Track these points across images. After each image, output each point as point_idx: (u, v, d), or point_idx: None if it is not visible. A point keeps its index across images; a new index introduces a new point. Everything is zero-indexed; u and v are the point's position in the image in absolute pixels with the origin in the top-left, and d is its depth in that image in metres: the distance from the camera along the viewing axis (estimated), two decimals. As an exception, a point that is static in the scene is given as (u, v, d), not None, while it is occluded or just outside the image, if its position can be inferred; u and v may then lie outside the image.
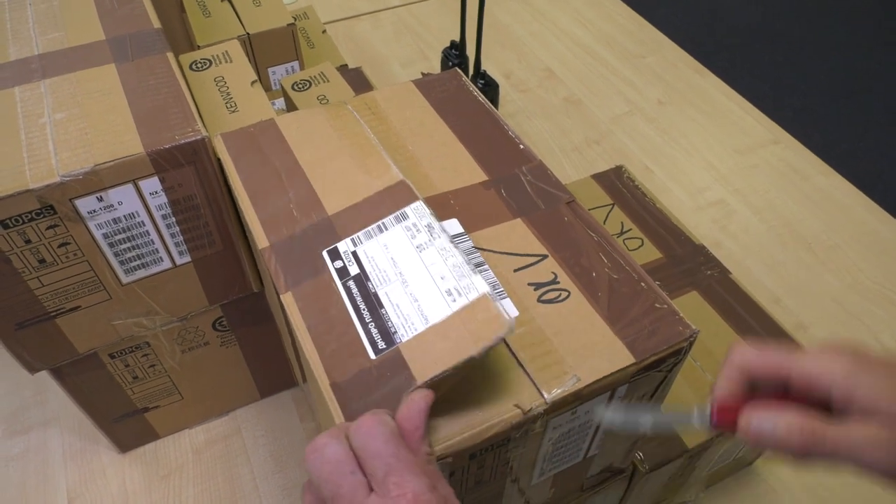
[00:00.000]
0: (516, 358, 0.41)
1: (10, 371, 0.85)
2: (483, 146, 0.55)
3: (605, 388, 0.41)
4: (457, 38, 1.05)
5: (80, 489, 0.75)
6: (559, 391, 0.39)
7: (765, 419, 0.34)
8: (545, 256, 0.46)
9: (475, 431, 0.37)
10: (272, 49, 0.87)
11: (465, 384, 0.39)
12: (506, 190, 0.51)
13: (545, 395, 0.39)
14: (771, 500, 0.72)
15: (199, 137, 0.53)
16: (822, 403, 0.34)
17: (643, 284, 0.45)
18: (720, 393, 0.37)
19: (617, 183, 0.80)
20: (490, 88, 1.06)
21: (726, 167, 1.10)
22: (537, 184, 0.52)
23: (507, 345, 0.41)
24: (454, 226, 0.47)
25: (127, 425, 0.74)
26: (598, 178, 0.81)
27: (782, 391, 0.36)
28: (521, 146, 0.55)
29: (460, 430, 0.37)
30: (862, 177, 1.08)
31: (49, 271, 0.55)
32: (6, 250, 0.52)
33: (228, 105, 0.62)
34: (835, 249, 0.98)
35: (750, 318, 0.67)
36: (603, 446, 0.48)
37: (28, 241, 0.52)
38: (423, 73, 1.10)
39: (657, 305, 0.44)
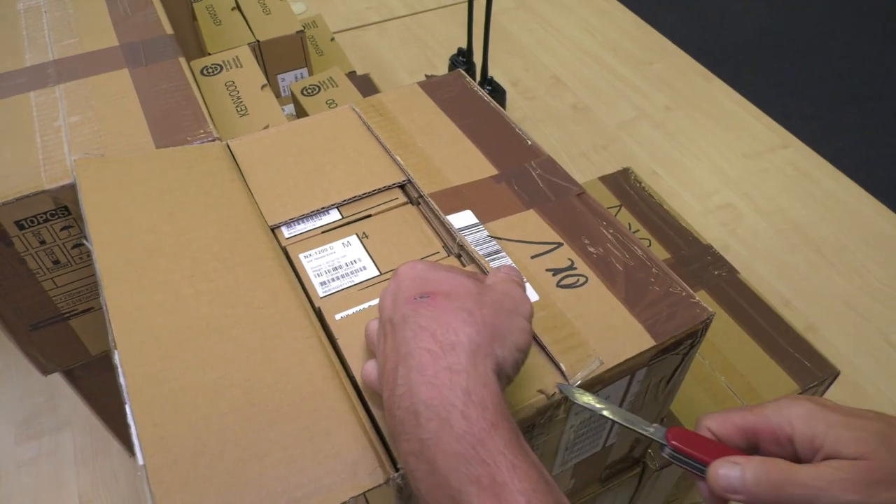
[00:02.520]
0: (539, 342, 0.41)
1: (22, 378, 0.86)
2: (491, 142, 0.55)
3: (626, 372, 0.41)
4: (463, 46, 1.06)
5: (91, 493, 0.75)
6: (583, 374, 0.39)
7: (732, 467, 0.33)
8: (560, 244, 0.47)
9: None
10: (282, 56, 0.88)
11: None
12: (517, 183, 0.51)
13: (569, 379, 0.39)
14: None
15: (211, 139, 0.54)
16: (788, 457, 0.34)
17: (657, 270, 0.45)
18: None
19: (624, 185, 0.80)
20: (497, 94, 1.07)
21: (735, 171, 1.10)
22: (547, 177, 0.52)
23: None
24: (468, 217, 0.48)
25: (138, 428, 0.75)
26: (605, 180, 0.81)
27: (753, 451, 0.36)
28: (529, 142, 0.56)
29: None
30: (871, 180, 1.08)
31: (63, 272, 0.56)
32: (21, 251, 0.53)
33: (239, 109, 0.63)
34: (844, 252, 0.98)
35: (759, 318, 0.66)
36: (622, 434, 0.49)
37: (43, 242, 0.53)
38: (427, 76, 1.11)
39: (672, 290, 0.44)
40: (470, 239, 0.46)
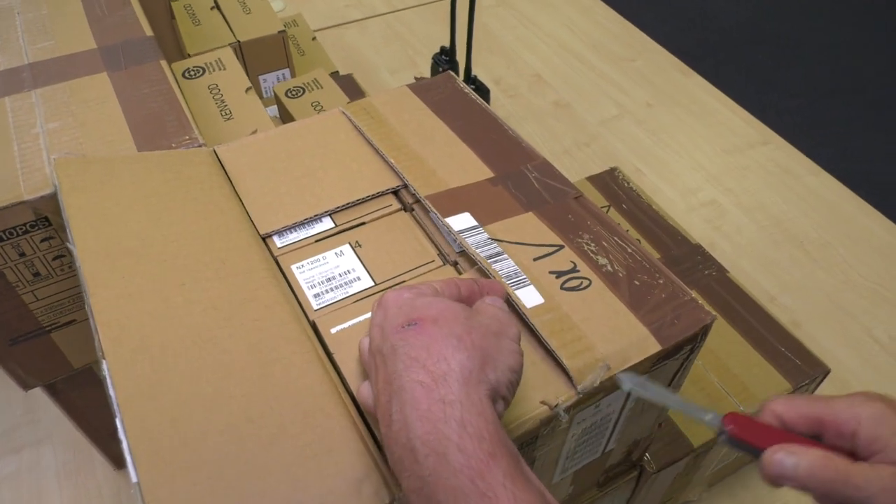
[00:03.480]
0: (546, 345, 0.40)
1: (-1, 390, 0.83)
2: (485, 145, 0.54)
3: None
4: (444, 44, 1.05)
5: (75, 507, 0.73)
6: (591, 380, 0.38)
7: (788, 453, 0.33)
8: (561, 247, 0.46)
9: (508, 429, 0.37)
10: (263, 56, 0.86)
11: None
12: (514, 186, 0.51)
13: (577, 386, 0.38)
14: (772, 499, 0.72)
15: (197, 145, 0.53)
16: (849, 452, 0.34)
17: (658, 273, 0.45)
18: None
19: (612, 184, 0.80)
20: (481, 93, 1.06)
21: (716, 168, 1.10)
22: (544, 179, 0.52)
23: (536, 331, 0.41)
24: (467, 219, 0.47)
25: (123, 440, 0.73)
26: (593, 179, 0.81)
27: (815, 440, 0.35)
28: (523, 144, 0.55)
29: None
30: (850, 175, 1.09)
31: (44, 285, 0.54)
32: (0, 264, 0.51)
33: (223, 113, 0.61)
34: (826, 247, 0.99)
35: (749, 317, 0.67)
36: (622, 436, 0.48)
37: (22, 255, 0.51)
38: (416, 78, 1.10)
39: (675, 293, 0.44)
40: (470, 241, 0.45)
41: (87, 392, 0.65)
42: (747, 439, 0.35)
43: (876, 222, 1.02)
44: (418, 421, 0.30)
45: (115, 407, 0.37)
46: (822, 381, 0.65)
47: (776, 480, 0.34)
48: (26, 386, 0.61)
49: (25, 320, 0.55)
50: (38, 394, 0.63)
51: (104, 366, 0.38)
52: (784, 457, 0.33)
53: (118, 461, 0.75)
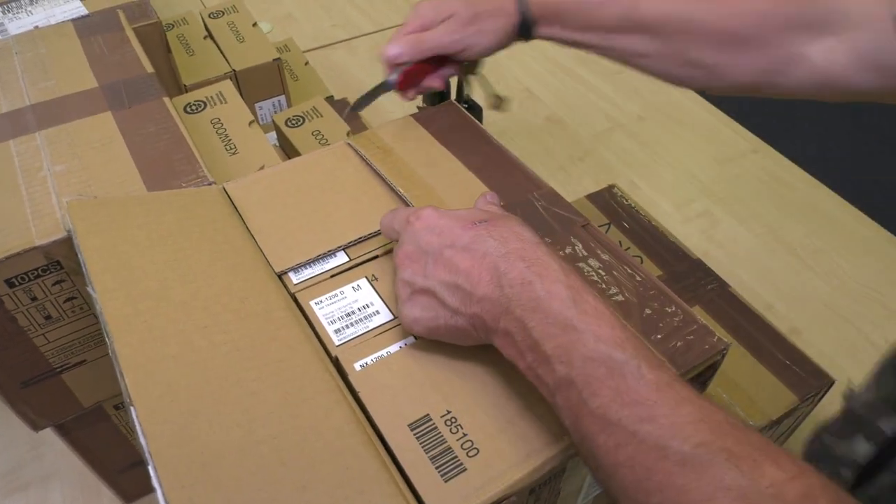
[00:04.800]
0: None
1: (4, 428, 0.82)
2: (492, 174, 0.55)
3: None
4: (436, 63, 1.06)
5: (85, 545, 0.73)
6: None
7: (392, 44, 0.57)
8: None
9: (537, 465, 0.37)
10: (259, 84, 0.86)
11: (516, 409, 0.39)
12: (522, 214, 0.51)
13: None
14: None
15: (207, 184, 0.53)
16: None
17: (669, 301, 0.46)
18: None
19: (611, 202, 0.81)
20: (474, 113, 1.07)
21: (709, 178, 1.12)
22: (551, 208, 0.52)
23: None
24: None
25: (132, 475, 0.72)
26: (592, 198, 0.82)
27: None
28: (529, 172, 0.56)
29: (523, 466, 0.37)
30: (836, 180, 1.11)
31: (55, 327, 0.54)
32: (12, 309, 0.51)
33: (228, 147, 0.61)
34: (820, 254, 1.00)
35: (754, 331, 0.68)
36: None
37: (34, 299, 0.51)
38: (418, 108, 1.11)
39: (686, 320, 0.44)
40: None
41: (97, 430, 0.65)
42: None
43: (866, 227, 1.04)
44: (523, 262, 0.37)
45: (147, 455, 0.37)
46: (826, 391, 0.66)
47: (389, 60, 0.57)
48: (36, 427, 0.60)
49: (37, 363, 0.55)
50: (43, 430, 0.63)
51: (133, 412, 0.38)
52: (390, 46, 0.56)
53: (127, 496, 0.75)
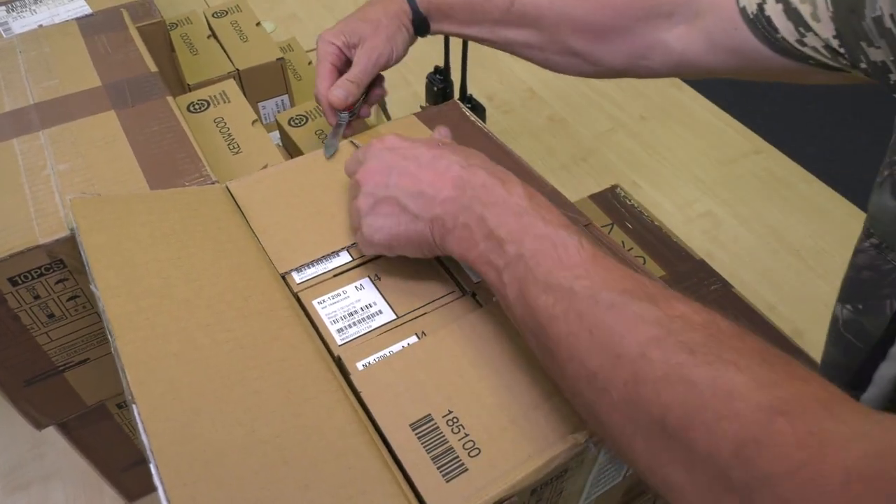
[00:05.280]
0: None
1: (5, 426, 0.82)
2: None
3: None
4: (435, 62, 1.06)
5: (87, 544, 0.73)
6: None
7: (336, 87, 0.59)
8: None
9: (539, 465, 0.37)
10: (262, 84, 0.86)
11: (520, 412, 0.39)
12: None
13: None
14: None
15: (210, 182, 0.53)
16: None
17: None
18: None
19: (613, 202, 0.81)
20: (477, 112, 1.07)
21: (711, 179, 1.12)
22: (553, 211, 0.52)
23: None
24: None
25: (135, 473, 0.73)
26: (595, 198, 0.82)
27: None
28: (532, 172, 0.56)
29: (524, 466, 0.37)
30: (838, 179, 1.11)
31: (58, 325, 0.54)
32: (15, 307, 0.51)
33: (231, 146, 0.61)
34: (822, 254, 1.00)
35: (757, 333, 0.68)
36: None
37: (37, 297, 0.51)
38: (422, 107, 1.11)
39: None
40: None
41: (100, 429, 0.65)
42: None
43: (869, 228, 1.04)
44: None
45: (149, 453, 0.37)
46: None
47: (337, 105, 0.59)
48: (39, 425, 0.60)
49: (39, 361, 0.55)
50: (45, 429, 0.63)
51: (135, 410, 0.38)
52: (335, 92, 0.58)
53: (129, 495, 0.75)
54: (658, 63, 0.56)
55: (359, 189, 0.45)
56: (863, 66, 0.44)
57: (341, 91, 0.58)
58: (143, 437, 0.37)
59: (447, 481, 0.36)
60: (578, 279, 0.34)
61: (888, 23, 0.40)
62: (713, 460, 0.27)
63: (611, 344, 0.32)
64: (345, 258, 0.49)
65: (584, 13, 0.56)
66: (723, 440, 0.27)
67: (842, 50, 0.45)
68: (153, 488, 0.77)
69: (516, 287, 0.37)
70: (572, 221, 0.39)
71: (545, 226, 0.37)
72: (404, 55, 0.63)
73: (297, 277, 0.48)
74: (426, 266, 0.49)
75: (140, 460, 0.72)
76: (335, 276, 0.48)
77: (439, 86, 1.09)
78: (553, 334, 0.35)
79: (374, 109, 0.68)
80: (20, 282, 0.50)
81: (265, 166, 0.58)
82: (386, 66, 0.61)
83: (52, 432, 0.63)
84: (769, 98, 1.77)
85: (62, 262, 0.50)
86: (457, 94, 1.08)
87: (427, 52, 1.36)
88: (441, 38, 1.01)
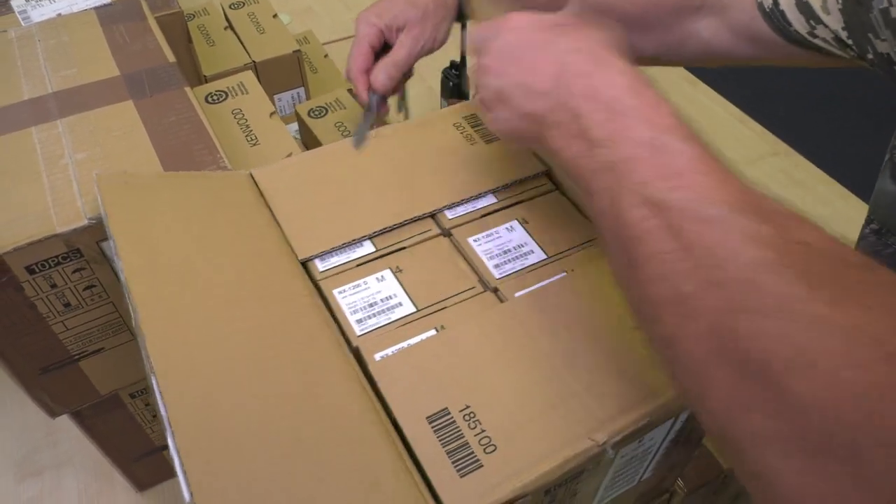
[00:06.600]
0: None
1: (19, 413, 0.83)
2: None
3: (672, 413, 0.41)
4: (452, 56, 1.05)
5: (98, 532, 0.73)
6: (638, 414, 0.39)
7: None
8: None
9: (555, 465, 0.37)
10: (278, 76, 0.86)
11: (538, 411, 0.39)
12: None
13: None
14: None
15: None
16: None
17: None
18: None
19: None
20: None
21: (728, 178, 1.11)
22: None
23: None
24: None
25: (146, 464, 0.73)
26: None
27: None
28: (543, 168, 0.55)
29: (540, 465, 0.37)
30: (857, 183, 1.10)
31: (74, 314, 0.54)
32: (32, 296, 0.51)
33: (249, 138, 0.61)
34: (840, 257, 0.99)
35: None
36: (658, 465, 0.48)
37: (54, 286, 0.51)
38: (450, 102, 1.10)
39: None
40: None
41: (113, 418, 0.65)
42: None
43: (888, 231, 1.02)
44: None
45: (167, 423, 0.36)
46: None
47: (378, 90, 0.60)
48: (53, 414, 0.61)
49: (55, 350, 0.55)
50: (59, 417, 0.63)
51: (153, 381, 0.38)
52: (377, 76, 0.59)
53: (141, 484, 0.75)
54: (689, 52, 0.58)
55: (482, 77, 0.43)
56: (869, 56, 0.45)
57: (384, 75, 0.58)
58: (161, 409, 0.37)
59: (461, 476, 0.36)
60: (677, 190, 0.30)
61: (895, 14, 0.40)
62: (821, 413, 0.23)
63: (711, 265, 0.28)
64: (368, 248, 0.49)
65: (626, 6, 0.57)
66: (840, 392, 0.23)
67: (850, 41, 0.46)
68: (163, 478, 0.77)
69: (606, 198, 0.33)
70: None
71: (648, 128, 0.33)
72: (444, 43, 0.63)
73: (321, 265, 0.47)
74: (447, 260, 0.48)
75: (151, 450, 0.72)
76: (357, 265, 0.48)
77: (455, 80, 1.08)
78: (642, 253, 0.31)
79: (392, 103, 0.67)
80: (37, 270, 0.50)
81: (289, 154, 0.57)
82: (426, 55, 0.61)
83: (65, 420, 0.63)
84: (788, 100, 1.75)
85: (79, 252, 0.50)
86: (472, 89, 1.08)
87: (442, 47, 1.35)
88: (456, 30, 1.01)
